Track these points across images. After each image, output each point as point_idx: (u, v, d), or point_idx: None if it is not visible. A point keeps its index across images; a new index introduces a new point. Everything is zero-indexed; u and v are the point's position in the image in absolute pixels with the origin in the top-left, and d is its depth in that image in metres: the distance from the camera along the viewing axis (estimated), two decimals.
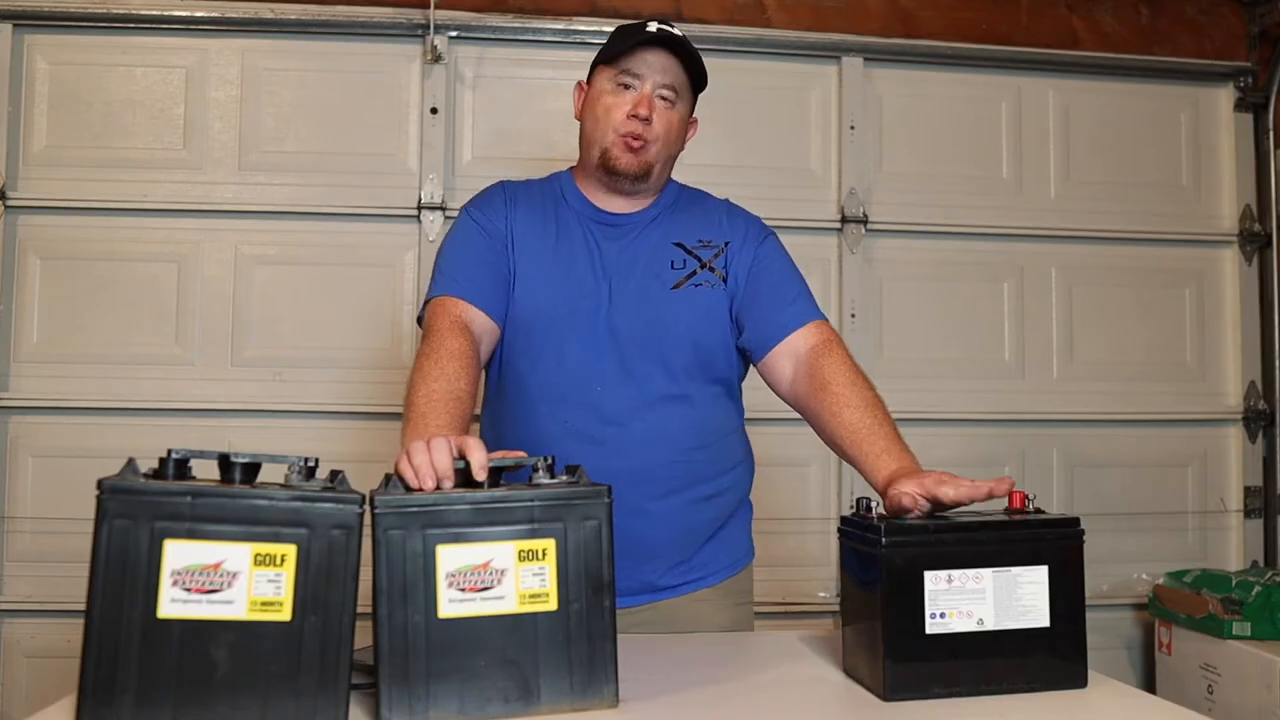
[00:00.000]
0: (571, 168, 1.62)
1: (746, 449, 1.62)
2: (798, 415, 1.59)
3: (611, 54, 1.48)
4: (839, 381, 1.42)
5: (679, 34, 1.49)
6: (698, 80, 1.52)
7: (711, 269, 1.53)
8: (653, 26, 1.48)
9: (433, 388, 1.26)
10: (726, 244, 1.55)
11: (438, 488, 1.05)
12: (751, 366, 1.57)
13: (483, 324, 1.43)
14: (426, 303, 1.47)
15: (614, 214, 1.54)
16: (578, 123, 1.56)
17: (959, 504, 1.17)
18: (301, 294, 2.60)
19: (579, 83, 1.57)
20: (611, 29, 2.62)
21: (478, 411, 1.60)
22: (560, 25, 2.67)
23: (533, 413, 1.47)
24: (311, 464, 1.01)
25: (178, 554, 0.94)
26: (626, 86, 1.47)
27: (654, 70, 1.47)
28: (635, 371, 1.46)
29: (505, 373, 1.51)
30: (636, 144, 1.47)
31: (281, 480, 1.00)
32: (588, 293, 1.48)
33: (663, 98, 1.48)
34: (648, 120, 1.46)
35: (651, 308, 1.48)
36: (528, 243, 1.51)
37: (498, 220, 1.52)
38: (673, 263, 1.52)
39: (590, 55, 2.63)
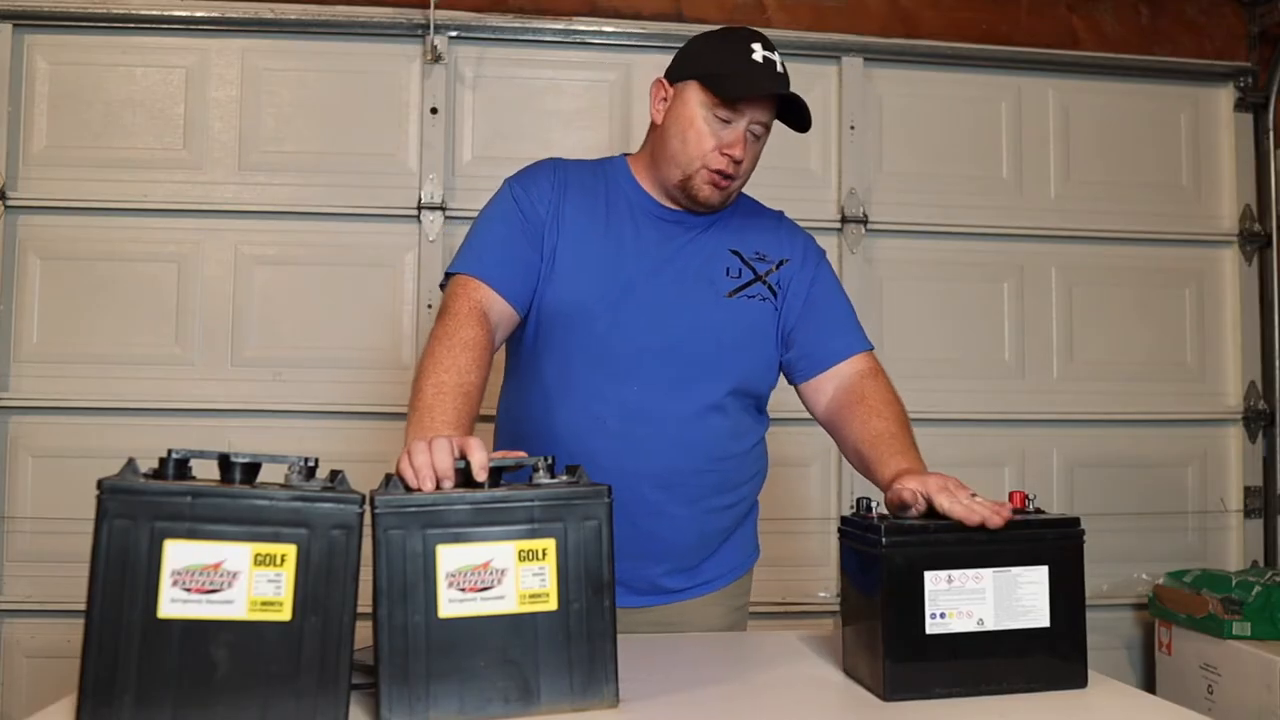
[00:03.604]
0: (626, 155, 1.57)
1: (766, 458, 1.60)
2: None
3: (719, 88, 1.41)
4: (876, 398, 1.43)
5: (787, 80, 1.43)
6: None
7: (766, 283, 1.50)
8: (758, 55, 1.42)
9: (442, 379, 1.25)
10: (784, 261, 1.52)
11: (437, 487, 1.05)
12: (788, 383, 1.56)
13: (501, 311, 1.40)
14: (450, 275, 1.44)
15: (672, 210, 1.50)
16: (652, 119, 1.50)
17: (950, 517, 1.16)
18: (301, 294, 2.60)
19: (659, 80, 1.50)
20: (612, 29, 2.67)
21: (493, 409, 1.59)
22: (560, 25, 2.67)
23: (563, 405, 1.43)
24: (311, 464, 1.01)
25: (178, 554, 0.94)
26: (724, 120, 1.42)
27: (753, 107, 1.42)
28: (677, 374, 1.43)
29: (536, 360, 1.47)
30: (724, 181, 1.44)
31: (281, 480, 1.00)
32: (634, 288, 1.44)
33: (754, 134, 1.44)
34: (739, 161, 1.43)
35: (703, 313, 1.45)
36: (574, 228, 1.46)
37: (540, 202, 1.47)
38: (728, 270, 1.49)
39: (590, 55, 2.70)
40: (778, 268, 1.52)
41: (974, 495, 1.18)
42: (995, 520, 1.14)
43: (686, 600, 1.51)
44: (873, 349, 1.52)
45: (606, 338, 1.43)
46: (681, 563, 1.49)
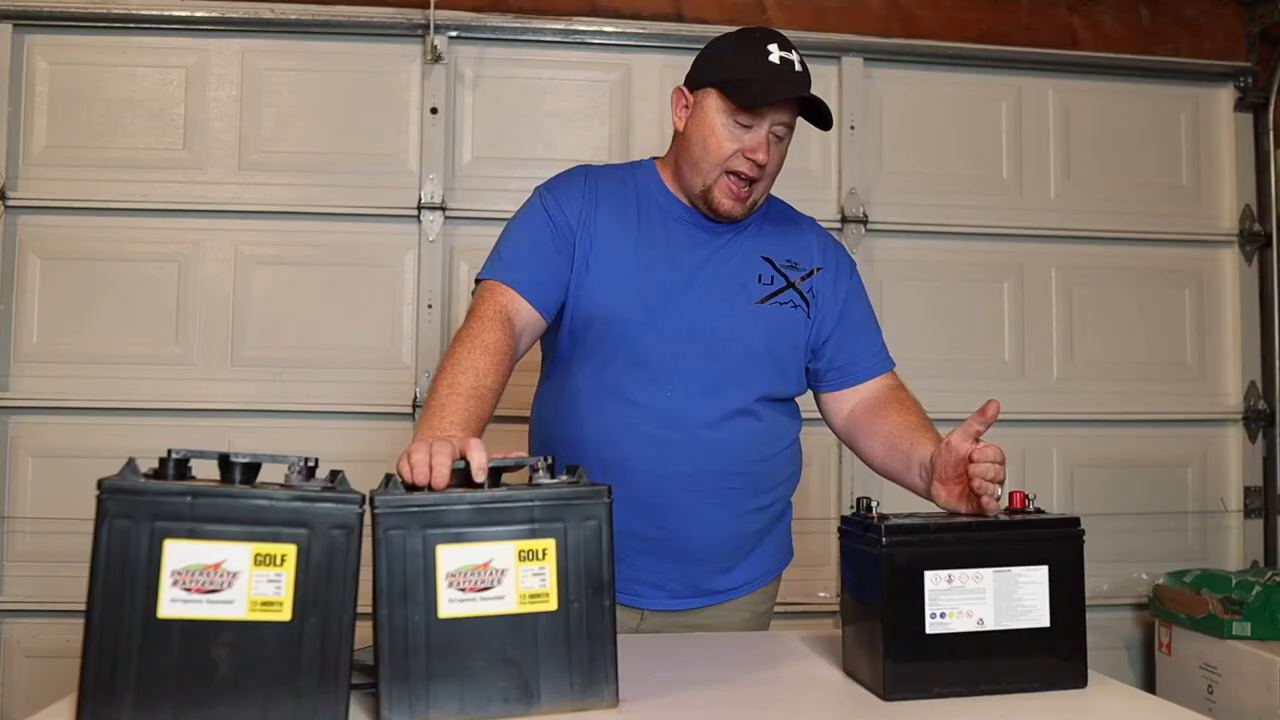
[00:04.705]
0: (655, 159, 1.58)
1: (800, 459, 1.61)
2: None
3: (737, 95, 1.41)
4: (909, 401, 1.49)
5: (806, 80, 1.43)
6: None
7: (798, 290, 1.51)
8: (775, 56, 1.41)
9: (458, 380, 1.26)
10: (816, 270, 1.54)
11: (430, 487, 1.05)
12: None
13: (528, 317, 1.42)
14: (480, 281, 1.45)
15: (705, 215, 1.51)
16: (674, 127, 1.51)
17: (961, 459, 1.25)
18: (301, 294, 2.60)
19: (680, 89, 1.50)
20: (612, 29, 2.67)
21: (511, 409, 1.59)
22: (560, 25, 2.67)
23: (597, 409, 1.44)
24: (311, 464, 1.02)
25: (178, 554, 0.94)
26: (745, 126, 1.42)
27: (774, 109, 1.42)
28: (710, 379, 1.44)
29: (570, 365, 1.48)
30: (744, 192, 1.44)
31: (281, 480, 1.00)
32: (668, 294, 1.45)
33: (777, 135, 1.44)
34: (763, 165, 1.43)
35: (735, 319, 1.46)
36: (607, 236, 1.47)
37: (570, 211, 1.47)
38: (760, 277, 1.49)
39: (590, 55, 2.70)
40: (809, 276, 1.53)
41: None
42: (992, 505, 1.21)
43: (716, 605, 1.52)
44: (895, 366, 1.57)
45: (640, 343, 1.44)
46: (713, 566, 1.49)
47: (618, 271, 1.45)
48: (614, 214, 1.49)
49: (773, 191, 1.55)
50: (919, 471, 1.35)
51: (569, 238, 1.46)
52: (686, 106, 1.49)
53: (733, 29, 1.53)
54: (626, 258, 1.46)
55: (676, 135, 1.51)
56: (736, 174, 1.43)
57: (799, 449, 1.59)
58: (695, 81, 1.48)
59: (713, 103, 1.44)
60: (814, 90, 1.44)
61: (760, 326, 1.47)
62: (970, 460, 1.23)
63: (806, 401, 1.60)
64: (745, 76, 1.41)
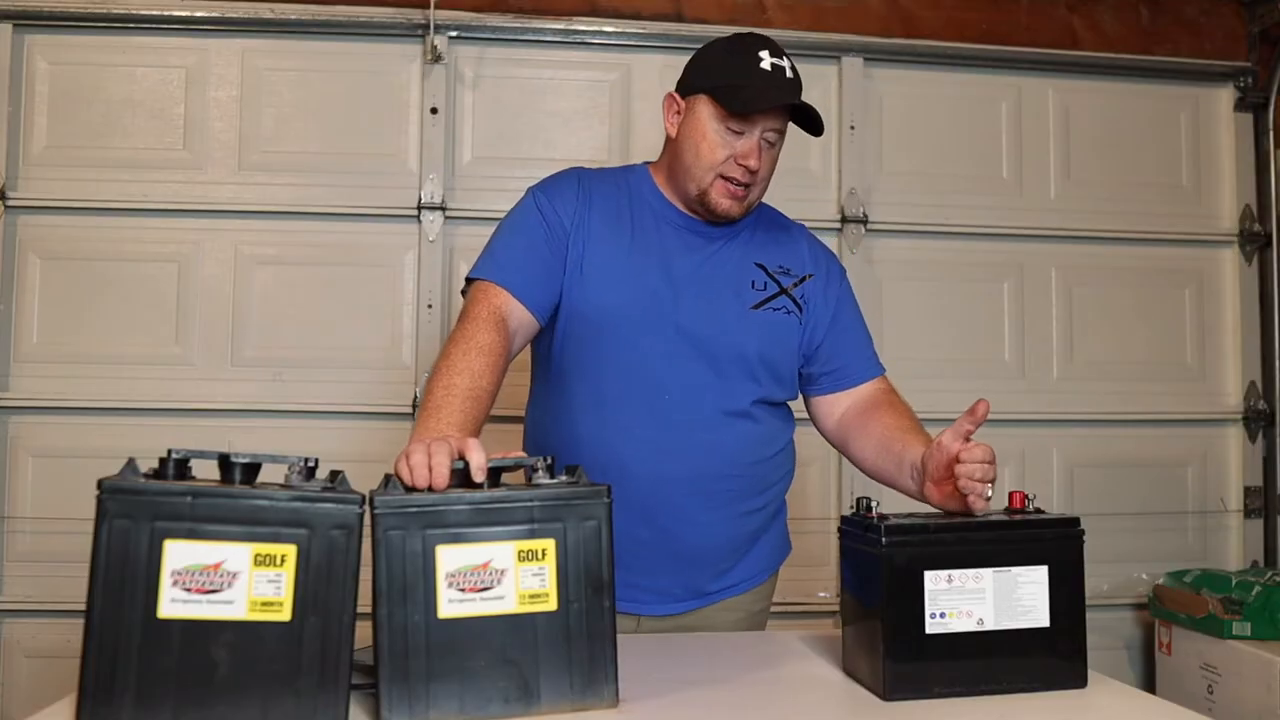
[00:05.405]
0: (648, 163, 1.58)
1: (794, 458, 1.62)
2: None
3: (728, 101, 1.41)
4: (901, 405, 1.51)
5: (797, 86, 1.44)
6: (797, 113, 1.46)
7: (790, 296, 1.52)
8: (766, 63, 1.41)
9: (454, 381, 1.26)
10: (808, 276, 1.54)
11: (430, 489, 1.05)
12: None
13: (521, 318, 1.41)
14: (471, 280, 1.45)
15: (698, 221, 1.51)
16: (666, 133, 1.51)
17: (951, 459, 1.25)
18: (301, 294, 2.60)
19: (671, 95, 1.51)
20: (612, 29, 2.67)
21: (504, 409, 1.59)
22: (560, 25, 2.67)
23: (592, 413, 1.44)
24: (311, 464, 1.02)
25: (178, 554, 0.95)
26: (737, 132, 1.43)
27: (765, 116, 1.42)
28: (705, 383, 1.44)
29: (564, 369, 1.48)
30: (740, 191, 1.45)
31: (281, 480, 1.00)
32: (662, 298, 1.45)
33: (768, 141, 1.45)
34: (755, 170, 1.44)
35: (729, 324, 1.46)
36: (600, 239, 1.47)
37: (564, 212, 1.47)
38: (754, 283, 1.50)
39: (590, 55, 2.71)
40: (801, 282, 1.53)
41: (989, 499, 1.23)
42: (979, 505, 1.21)
43: (710, 605, 1.52)
44: (885, 371, 1.59)
45: (635, 347, 1.44)
46: (710, 568, 1.50)
47: (611, 276, 1.45)
48: (606, 218, 1.49)
49: (773, 190, 1.55)
50: (910, 473, 1.36)
51: (562, 238, 1.46)
52: (678, 112, 1.49)
53: (732, 30, 1.53)
54: (620, 262, 1.46)
55: (669, 141, 1.52)
56: (730, 179, 1.44)
57: (793, 450, 1.60)
58: (687, 87, 1.49)
59: (704, 109, 1.44)
60: (814, 91, 1.45)
61: (754, 332, 1.48)
62: (957, 460, 1.23)
63: (799, 403, 1.60)
64: (736, 83, 1.42)
